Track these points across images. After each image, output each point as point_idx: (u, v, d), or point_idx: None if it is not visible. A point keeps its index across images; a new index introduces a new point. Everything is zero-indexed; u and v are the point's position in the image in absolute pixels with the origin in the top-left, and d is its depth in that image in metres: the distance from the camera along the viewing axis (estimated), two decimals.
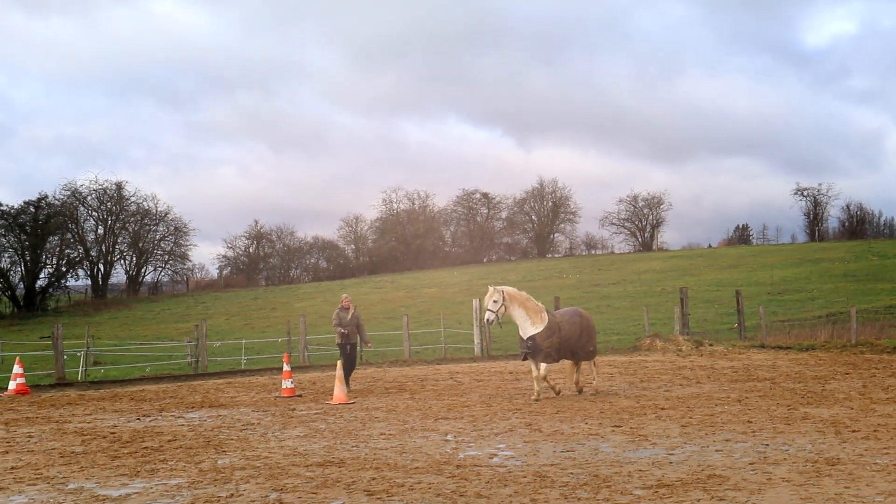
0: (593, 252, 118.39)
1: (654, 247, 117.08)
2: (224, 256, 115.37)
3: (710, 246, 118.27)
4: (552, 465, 11.72)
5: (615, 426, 15.02)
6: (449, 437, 14.37)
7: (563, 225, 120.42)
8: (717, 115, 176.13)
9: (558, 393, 20.09)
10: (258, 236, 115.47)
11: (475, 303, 37.58)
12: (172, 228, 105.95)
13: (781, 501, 9.40)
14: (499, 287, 19.99)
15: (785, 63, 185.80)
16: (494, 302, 19.65)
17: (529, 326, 19.72)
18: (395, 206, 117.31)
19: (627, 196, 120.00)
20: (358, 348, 23.83)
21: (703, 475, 10.73)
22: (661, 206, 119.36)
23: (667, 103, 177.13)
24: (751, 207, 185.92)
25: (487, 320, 19.87)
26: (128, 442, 14.57)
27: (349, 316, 22.63)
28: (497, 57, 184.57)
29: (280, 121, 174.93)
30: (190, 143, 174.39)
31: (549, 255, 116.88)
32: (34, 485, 11.27)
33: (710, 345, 33.40)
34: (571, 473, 11.08)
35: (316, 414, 17.95)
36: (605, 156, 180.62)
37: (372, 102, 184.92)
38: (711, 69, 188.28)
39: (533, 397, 19.40)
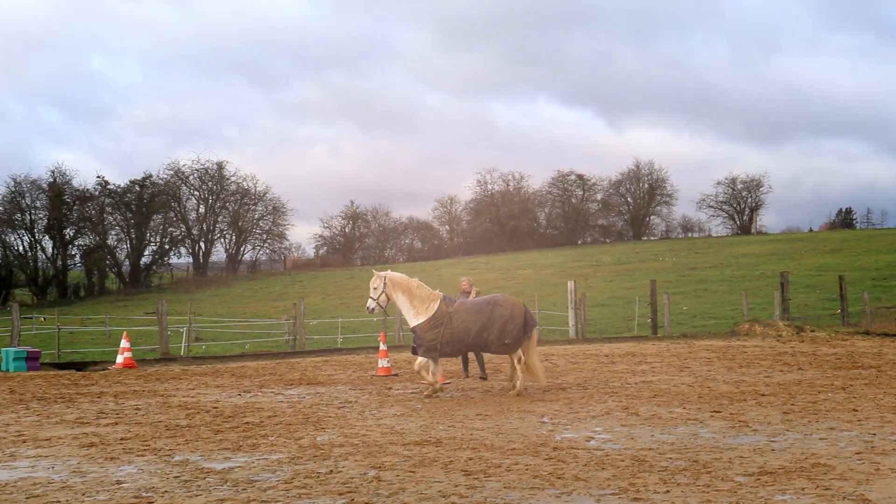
0: (690, 235, 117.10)
1: (753, 230, 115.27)
2: (320, 236, 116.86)
3: (811, 230, 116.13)
4: (650, 449, 11.59)
5: (714, 411, 14.79)
6: (545, 419, 14.31)
7: (659, 207, 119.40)
8: (816, 94, 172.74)
9: (434, 394, 17.65)
10: (354, 216, 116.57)
11: (570, 285, 37.44)
12: (271, 208, 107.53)
13: (891, 492, 9.15)
14: (381, 273, 18.47)
15: (888, 40, 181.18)
16: (374, 289, 18.13)
17: (412, 317, 17.97)
18: (489, 187, 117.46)
19: (725, 178, 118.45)
20: None
21: (806, 463, 10.50)
22: (761, 189, 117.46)
23: (763, 83, 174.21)
24: (853, 190, 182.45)
25: (368, 308, 18.35)
26: (230, 417, 14.81)
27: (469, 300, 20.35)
28: (587, 36, 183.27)
29: (370, 100, 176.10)
30: (282, 123, 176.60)
31: (645, 238, 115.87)
32: (142, 456, 11.51)
33: (812, 331, 32.80)
34: (670, 458, 10.94)
35: (412, 393, 18.04)
36: (699, 137, 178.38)
37: (461, 82, 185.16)
38: (810, 47, 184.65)
39: (424, 394, 17.74)
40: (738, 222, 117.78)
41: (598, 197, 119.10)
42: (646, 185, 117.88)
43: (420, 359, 18.01)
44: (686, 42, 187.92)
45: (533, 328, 18.25)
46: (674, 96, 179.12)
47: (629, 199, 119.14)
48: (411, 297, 18.06)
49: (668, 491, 9.23)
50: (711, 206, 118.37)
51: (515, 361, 18.09)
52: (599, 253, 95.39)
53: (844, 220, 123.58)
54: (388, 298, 18.21)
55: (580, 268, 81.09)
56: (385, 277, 18.21)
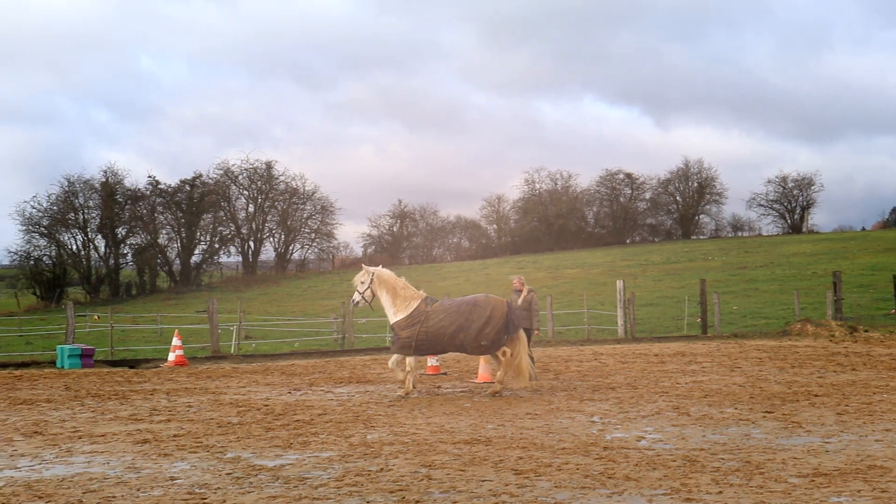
0: (740, 234, 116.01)
1: (804, 229, 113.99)
2: (368, 235, 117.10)
3: (863, 228, 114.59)
4: (701, 449, 11.50)
5: (766, 412, 14.66)
6: (595, 419, 14.25)
7: (708, 206, 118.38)
8: (867, 91, 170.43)
9: (406, 394, 17.56)
10: (402, 215, 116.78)
11: (619, 284, 37.24)
12: (319, 207, 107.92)
13: None
14: (370, 268, 18.63)
15: None
16: (361, 283, 18.34)
17: (392, 314, 18.10)
18: (537, 186, 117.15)
19: (776, 177, 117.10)
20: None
21: (862, 465, 10.37)
22: (812, 188, 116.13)
23: (813, 80, 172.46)
24: None
25: (354, 302, 18.62)
26: (280, 414, 14.91)
27: (520, 299, 20.20)
28: (633, 33, 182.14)
29: (416, 100, 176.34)
30: (329, 123, 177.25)
31: (694, 237, 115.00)
32: (195, 452, 11.61)
33: (866, 331, 32.38)
34: (722, 459, 10.85)
35: (461, 392, 18.05)
36: (748, 135, 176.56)
37: (507, 81, 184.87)
38: (861, 43, 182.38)
39: (399, 392, 17.69)
40: (788, 221, 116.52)
41: (647, 196, 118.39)
42: (695, 184, 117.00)
43: (394, 356, 18.13)
44: (734, 38, 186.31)
45: (518, 329, 18.03)
46: (722, 94, 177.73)
47: (678, 197, 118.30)
48: (394, 296, 18.19)
49: (720, 492, 9.16)
50: (762, 205, 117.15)
51: (501, 358, 17.97)
52: (648, 252, 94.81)
53: None
54: (374, 294, 18.37)
55: (628, 267, 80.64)
56: (373, 273, 18.42)
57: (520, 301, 20.05)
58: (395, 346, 18.07)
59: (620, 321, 36.47)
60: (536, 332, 20.33)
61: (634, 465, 10.54)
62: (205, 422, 14.23)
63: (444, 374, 21.39)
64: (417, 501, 8.91)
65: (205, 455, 11.44)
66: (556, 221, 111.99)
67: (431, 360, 21.53)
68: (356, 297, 18.52)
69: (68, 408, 15.99)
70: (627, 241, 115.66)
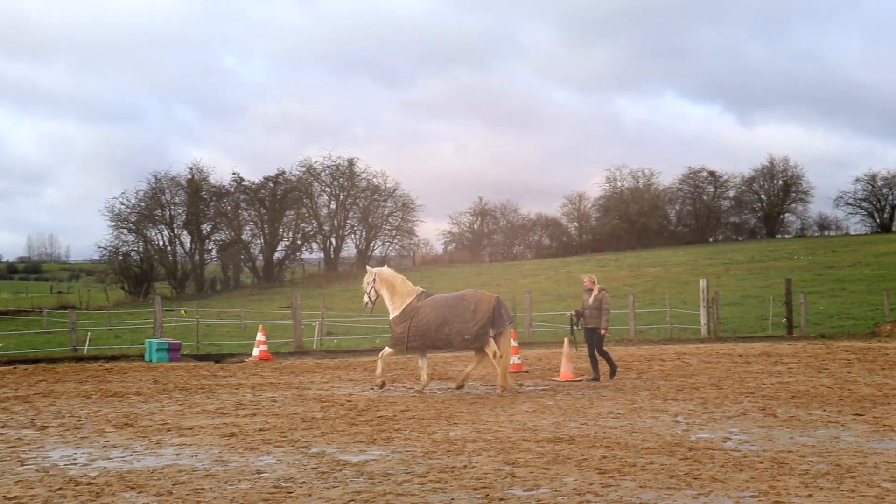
0: (826, 233, 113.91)
1: (894, 228, 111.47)
2: (449, 232, 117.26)
3: None
4: (789, 451, 11.31)
5: (856, 414, 14.36)
6: (679, 419, 14.10)
7: (794, 205, 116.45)
8: None
9: (381, 385, 18.22)
10: (482, 213, 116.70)
11: (702, 283, 36.82)
12: (400, 204, 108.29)
13: None
14: (373, 269, 19.04)
15: None
16: (367, 284, 18.91)
17: (391, 311, 18.55)
18: (618, 184, 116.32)
19: (864, 175, 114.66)
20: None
21: None
22: None
23: None
24: None
25: (364, 303, 19.13)
26: (364, 410, 15.00)
27: (591, 298, 19.93)
28: (715, 29, 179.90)
29: (495, 97, 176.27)
30: (408, 120, 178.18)
31: (779, 236, 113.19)
32: (280, 447, 11.74)
33: None
34: (811, 461, 10.66)
35: (543, 390, 17.99)
36: (835, 132, 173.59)
37: (587, 78, 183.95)
38: None
39: (417, 387, 18.26)
40: (877, 220, 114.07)
41: (731, 194, 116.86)
42: (780, 182, 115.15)
43: (386, 350, 18.59)
44: (820, 34, 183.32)
45: (505, 324, 17.92)
46: (807, 90, 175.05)
47: (762, 196, 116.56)
48: (392, 293, 18.59)
49: (810, 495, 9.00)
50: (849, 204, 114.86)
51: (490, 356, 17.94)
52: (731, 251, 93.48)
53: None
54: (377, 294, 18.82)
55: (711, 266, 79.63)
56: (375, 273, 18.91)
57: (590, 300, 19.89)
58: (390, 341, 18.45)
59: (703, 320, 36.05)
60: (603, 331, 20.05)
61: (720, 466, 10.41)
62: (289, 416, 14.38)
63: (527, 371, 21.34)
64: (501, 499, 8.90)
65: (290, 449, 11.56)
66: (637, 219, 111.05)
67: (513, 358, 21.48)
68: (364, 298, 19.07)
69: (157, 401, 16.28)
70: (710, 240, 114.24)
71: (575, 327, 20.32)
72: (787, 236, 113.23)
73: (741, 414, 14.53)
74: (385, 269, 19.29)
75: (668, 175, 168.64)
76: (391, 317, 18.52)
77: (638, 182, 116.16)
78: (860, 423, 13.59)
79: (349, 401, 16.16)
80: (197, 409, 15.27)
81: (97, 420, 13.91)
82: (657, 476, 9.88)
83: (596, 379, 19.59)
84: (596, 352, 19.87)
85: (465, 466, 10.42)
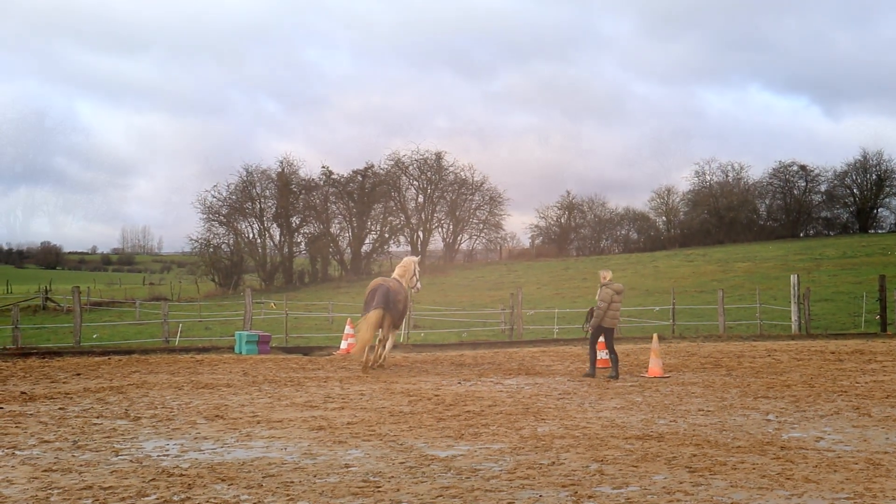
0: None
1: None
2: (536, 226, 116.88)
3: None
4: (885, 452, 11.02)
5: None
6: (770, 417, 13.85)
7: (888, 199, 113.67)
8: None
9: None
10: (570, 206, 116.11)
11: (793, 278, 36.14)
12: (487, 198, 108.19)
13: None
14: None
15: None
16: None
17: None
18: (707, 178, 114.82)
19: None
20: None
21: None
22: None
23: None
24: None
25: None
26: (451, 405, 14.98)
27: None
28: (800, 20, 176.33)
29: (576, 89, 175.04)
30: (489, 113, 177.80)
31: (872, 231, 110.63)
32: (368, 441, 11.78)
33: None
34: None
35: (631, 386, 17.80)
36: None
37: (670, 70, 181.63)
38: None
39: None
40: None
41: (822, 188, 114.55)
42: (874, 176, 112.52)
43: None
44: None
45: (369, 308, 20.43)
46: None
47: (855, 190, 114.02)
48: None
49: None
50: None
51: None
52: (822, 246, 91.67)
53: None
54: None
55: (802, 261, 78.11)
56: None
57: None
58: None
59: (794, 317, 35.40)
60: (586, 328, 20.53)
61: (814, 466, 10.19)
62: (377, 410, 14.43)
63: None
64: (590, 497, 8.81)
65: (378, 443, 11.59)
66: (726, 214, 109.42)
67: (601, 354, 21.30)
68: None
69: (247, 393, 16.46)
70: (801, 235, 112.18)
71: (586, 324, 20.53)
72: (880, 231, 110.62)
73: (834, 413, 14.23)
74: (408, 258, 22.95)
75: (758, 169, 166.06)
76: None
77: (727, 176, 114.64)
78: None
79: (436, 395, 16.16)
80: (286, 401, 15.41)
81: (189, 411, 14.11)
82: (748, 475, 9.70)
83: (590, 375, 19.48)
84: (595, 346, 19.93)
85: (553, 463, 10.35)
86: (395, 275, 22.02)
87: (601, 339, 19.82)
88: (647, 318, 39.02)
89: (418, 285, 22.51)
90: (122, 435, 12.10)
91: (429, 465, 10.27)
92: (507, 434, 12.29)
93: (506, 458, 10.63)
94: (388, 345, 21.29)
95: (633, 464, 10.31)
